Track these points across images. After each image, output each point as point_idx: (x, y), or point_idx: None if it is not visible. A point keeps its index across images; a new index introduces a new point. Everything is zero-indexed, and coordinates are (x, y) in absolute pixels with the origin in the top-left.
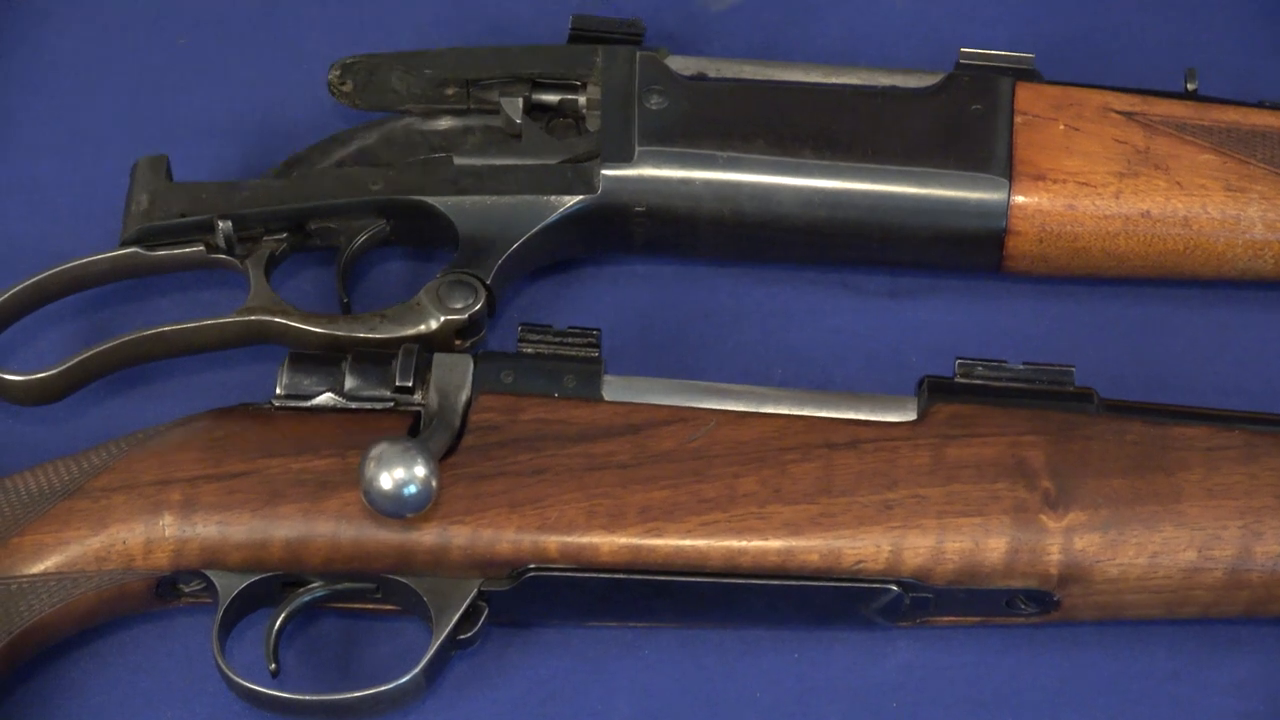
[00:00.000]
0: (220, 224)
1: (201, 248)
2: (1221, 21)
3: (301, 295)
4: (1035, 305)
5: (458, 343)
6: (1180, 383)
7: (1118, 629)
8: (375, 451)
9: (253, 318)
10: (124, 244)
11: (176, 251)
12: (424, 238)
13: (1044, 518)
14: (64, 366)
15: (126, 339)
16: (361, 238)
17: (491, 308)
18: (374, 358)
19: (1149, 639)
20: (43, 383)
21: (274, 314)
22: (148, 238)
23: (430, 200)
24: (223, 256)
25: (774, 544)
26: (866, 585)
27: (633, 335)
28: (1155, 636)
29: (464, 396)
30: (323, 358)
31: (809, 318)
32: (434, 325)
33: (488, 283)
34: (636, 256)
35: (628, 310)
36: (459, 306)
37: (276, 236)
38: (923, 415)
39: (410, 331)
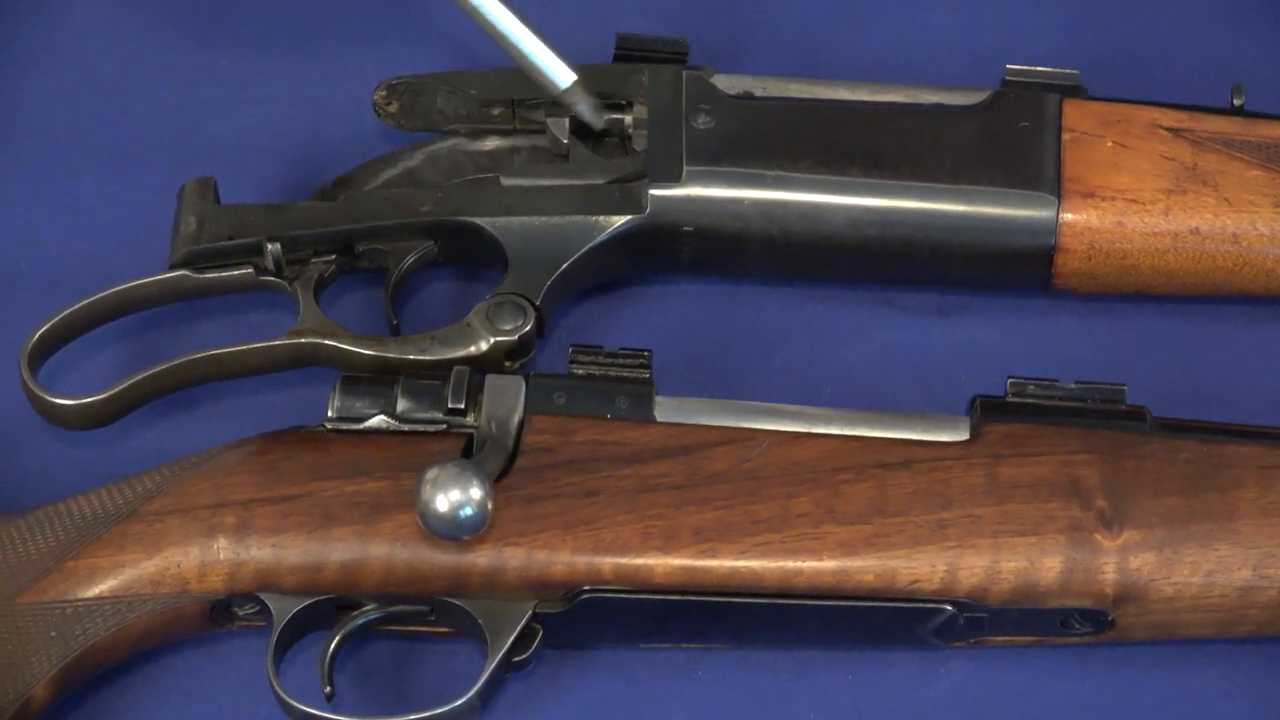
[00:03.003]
0: (269, 246)
1: (250, 270)
2: (1267, 36)
3: (350, 317)
4: (1084, 323)
5: (507, 364)
6: (1231, 400)
7: (1172, 648)
8: (431, 474)
9: (302, 340)
10: (172, 267)
11: (225, 274)
12: (472, 259)
13: (1099, 537)
14: (114, 390)
15: (176, 362)
16: (410, 259)
17: (541, 328)
18: (426, 380)
19: (1203, 658)
20: (93, 407)
21: (323, 336)
22: (196, 260)
23: (479, 221)
24: (271, 279)
25: (829, 564)
26: (921, 605)
27: (681, 355)
28: (1210, 656)
29: (516, 418)
30: (374, 380)
31: (857, 337)
32: (484, 347)
33: (537, 304)
34: (684, 276)
35: (676, 330)
36: (509, 328)
37: (325, 258)
38: (975, 435)
39: (460, 353)
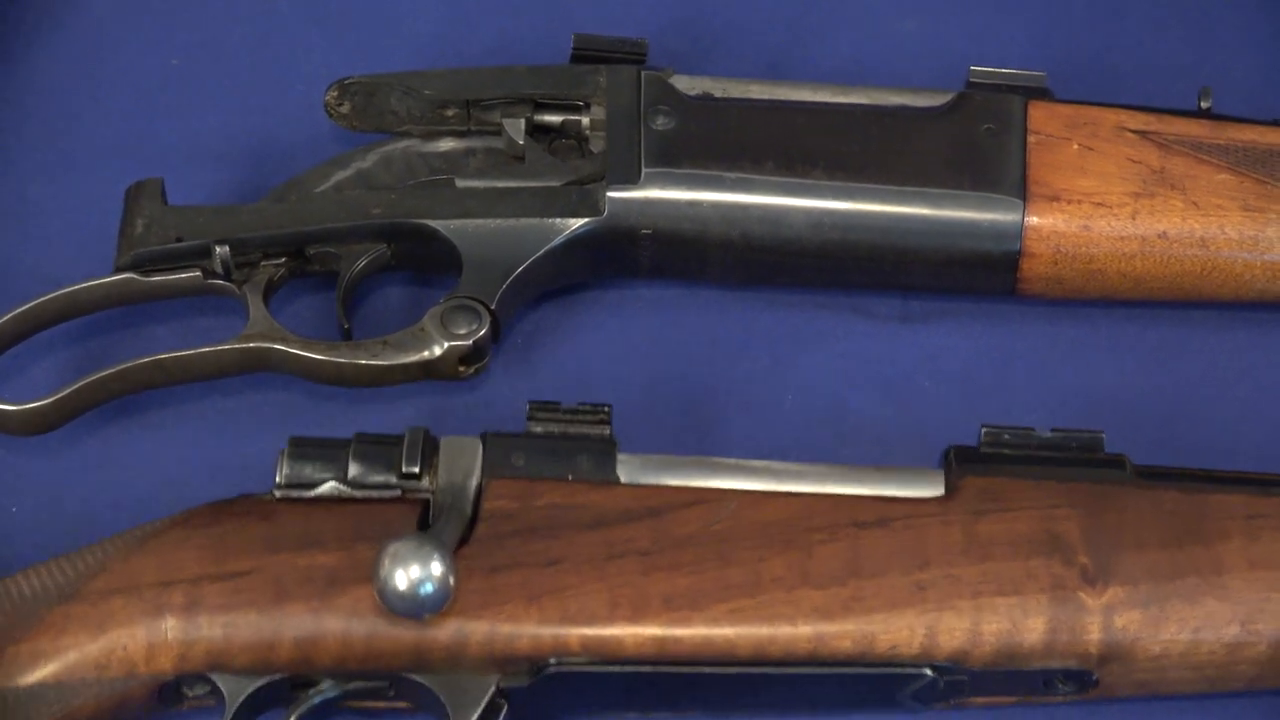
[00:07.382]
0: (217, 249)
1: (198, 273)
2: (1234, 39)
3: (301, 322)
4: (1050, 329)
5: (462, 369)
6: (1198, 407)
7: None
8: (389, 550)
9: (251, 345)
10: (119, 269)
11: (172, 277)
12: (426, 262)
13: (1083, 594)
14: (58, 396)
15: (122, 367)
16: (362, 262)
17: (496, 333)
18: (378, 441)
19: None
20: (37, 412)
21: (273, 341)
22: (143, 263)
23: (432, 223)
24: (220, 282)
25: (804, 630)
26: (900, 671)
27: (639, 363)
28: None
29: (474, 482)
30: (324, 443)
31: (819, 343)
32: (437, 351)
33: (492, 307)
34: (643, 281)
35: (634, 336)
36: (463, 332)
37: (275, 262)
38: (951, 489)
39: (414, 358)
